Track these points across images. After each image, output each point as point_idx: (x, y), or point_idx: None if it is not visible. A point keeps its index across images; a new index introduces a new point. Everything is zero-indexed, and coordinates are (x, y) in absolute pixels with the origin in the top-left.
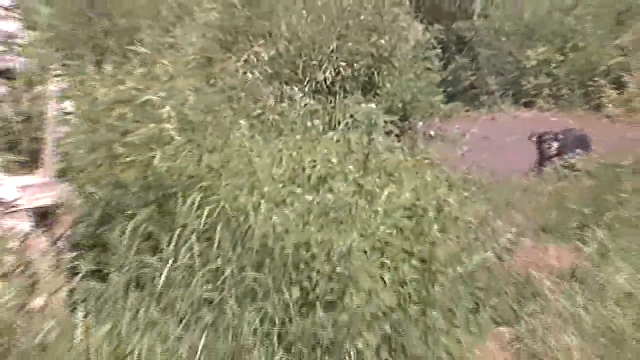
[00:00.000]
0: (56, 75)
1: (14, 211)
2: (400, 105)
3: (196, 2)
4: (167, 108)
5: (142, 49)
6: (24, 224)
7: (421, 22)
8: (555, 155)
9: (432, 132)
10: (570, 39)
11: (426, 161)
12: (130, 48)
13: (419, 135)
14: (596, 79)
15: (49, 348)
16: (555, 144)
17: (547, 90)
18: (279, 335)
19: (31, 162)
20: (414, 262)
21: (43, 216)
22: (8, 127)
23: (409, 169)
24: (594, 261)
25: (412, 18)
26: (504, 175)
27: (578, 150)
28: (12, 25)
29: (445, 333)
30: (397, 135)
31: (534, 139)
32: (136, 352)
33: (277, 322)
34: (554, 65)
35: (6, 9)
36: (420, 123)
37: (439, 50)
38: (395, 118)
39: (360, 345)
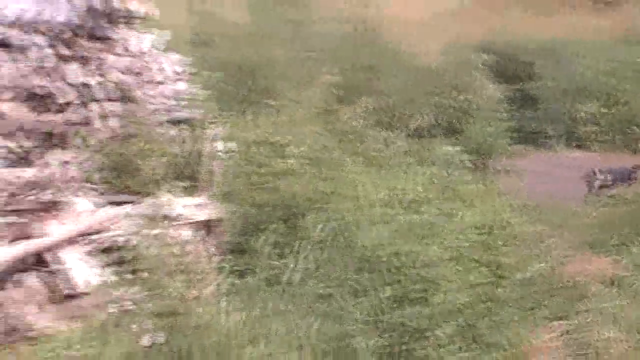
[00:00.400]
0: (213, 123)
1: (179, 224)
2: (475, 146)
3: (317, 68)
4: (293, 148)
5: (274, 102)
6: (186, 234)
7: (493, 81)
8: (602, 187)
9: (499, 168)
10: (613, 96)
11: (494, 190)
12: (266, 101)
13: (489, 170)
14: (634, 127)
15: (201, 328)
16: (601, 178)
17: (594, 136)
18: (375, 324)
19: (192, 187)
20: (483, 269)
21: (200, 228)
22: (177, 162)
23: (480, 196)
24: (630, 271)
25: (486, 78)
26: (557, 202)
27: (620, 183)
28: (182, 85)
29: (508, 326)
30: (471, 170)
31: (586, 176)
32: (266, 333)
33: (373, 314)
34: (600, 116)
35: (178, 73)
36: (491, 160)
37: (506, 105)
38: (470, 157)
39: (439, 333)
